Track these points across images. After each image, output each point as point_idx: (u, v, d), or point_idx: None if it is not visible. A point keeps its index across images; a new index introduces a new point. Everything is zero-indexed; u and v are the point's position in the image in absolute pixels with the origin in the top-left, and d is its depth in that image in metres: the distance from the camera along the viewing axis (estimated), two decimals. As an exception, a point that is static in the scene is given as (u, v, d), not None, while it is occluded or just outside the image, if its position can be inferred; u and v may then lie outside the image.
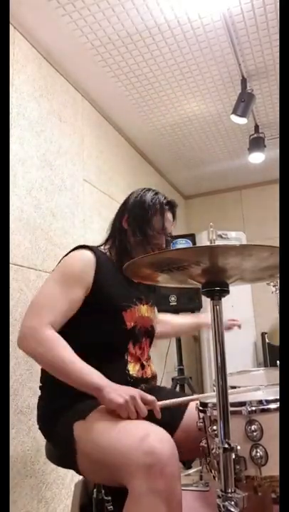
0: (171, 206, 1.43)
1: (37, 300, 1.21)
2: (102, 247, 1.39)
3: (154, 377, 1.35)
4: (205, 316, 1.68)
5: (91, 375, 1.08)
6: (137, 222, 1.35)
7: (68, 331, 1.16)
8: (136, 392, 1.06)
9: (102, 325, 1.24)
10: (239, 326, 1.58)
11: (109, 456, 0.99)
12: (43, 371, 1.30)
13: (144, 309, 1.35)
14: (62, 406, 1.16)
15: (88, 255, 1.27)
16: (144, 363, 1.31)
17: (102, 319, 1.24)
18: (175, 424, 1.27)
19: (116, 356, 1.25)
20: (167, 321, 1.64)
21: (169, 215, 1.41)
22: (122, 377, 1.21)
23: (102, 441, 1.02)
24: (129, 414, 1.03)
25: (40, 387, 1.29)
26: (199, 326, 1.66)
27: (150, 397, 1.07)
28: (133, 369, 1.26)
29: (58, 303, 1.17)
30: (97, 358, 1.20)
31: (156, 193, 1.42)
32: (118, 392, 1.04)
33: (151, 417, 1.15)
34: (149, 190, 1.43)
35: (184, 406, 1.31)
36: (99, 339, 1.23)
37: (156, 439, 0.96)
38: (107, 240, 1.42)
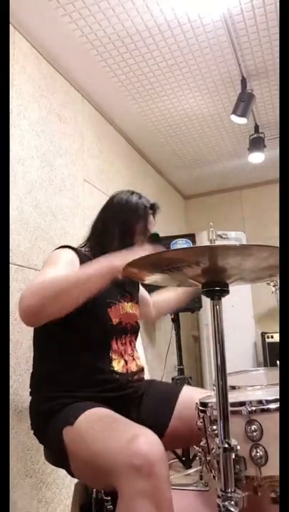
0: (155, 209, 1.45)
1: (33, 282, 1.19)
2: (82, 249, 1.40)
3: (140, 370, 1.36)
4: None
5: (97, 264, 1.12)
6: (121, 225, 1.37)
7: (54, 328, 1.16)
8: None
9: (86, 321, 1.24)
10: None
11: (99, 460, 1.00)
12: (32, 376, 1.31)
13: (128, 306, 1.37)
14: (51, 410, 1.16)
15: (71, 252, 1.29)
16: (127, 357, 1.32)
17: (87, 316, 1.24)
18: (168, 417, 1.28)
19: (101, 353, 1.26)
20: (155, 302, 1.65)
21: (151, 218, 1.44)
22: (107, 374, 1.23)
23: (91, 444, 1.03)
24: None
25: (30, 393, 1.30)
26: (185, 293, 1.64)
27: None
28: (118, 365, 1.27)
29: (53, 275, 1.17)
30: (83, 355, 1.21)
31: (140, 197, 1.43)
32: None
33: (142, 413, 1.16)
34: (132, 193, 1.44)
35: (174, 398, 1.32)
36: (85, 336, 1.24)
37: (144, 441, 0.96)
38: (87, 241, 1.43)
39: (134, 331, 1.39)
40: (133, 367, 1.32)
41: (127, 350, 1.33)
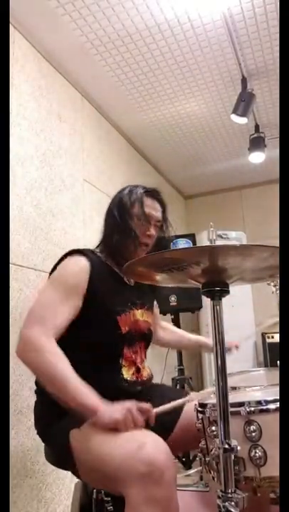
0: (152, 193, 1.39)
1: (37, 308, 1.19)
2: (97, 250, 1.37)
3: (150, 379, 1.34)
4: (208, 338, 1.68)
5: (88, 395, 1.05)
6: (118, 217, 1.33)
7: (63, 336, 1.15)
8: (131, 404, 1.05)
9: (96, 330, 1.22)
10: (237, 347, 1.58)
11: (107, 466, 0.99)
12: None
13: (139, 313, 1.33)
14: (58, 411, 1.14)
15: (82, 262, 1.24)
16: (140, 365, 1.30)
17: (96, 324, 1.22)
18: (172, 422, 1.27)
19: (110, 361, 1.24)
20: (170, 331, 1.65)
21: (150, 202, 1.37)
22: (116, 382, 1.21)
23: (99, 451, 1.02)
24: (127, 427, 1.02)
25: (36, 391, 1.28)
26: (201, 344, 1.65)
27: (145, 406, 1.06)
28: (127, 373, 1.25)
29: (59, 312, 1.16)
30: (92, 363, 1.20)
31: (136, 186, 1.39)
32: (113, 409, 1.03)
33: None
34: (129, 186, 1.41)
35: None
36: (94, 344, 1.22)
37: (153, 447, 0.96)
38: (100, 243, 1.40)
39: (145, 338, 1.36)
40: (144, 375, 1.30)
41: (137, 358, 1.30)
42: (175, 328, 1.70)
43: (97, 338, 1.23)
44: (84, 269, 1.23)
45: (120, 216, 1.33)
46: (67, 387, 1.05)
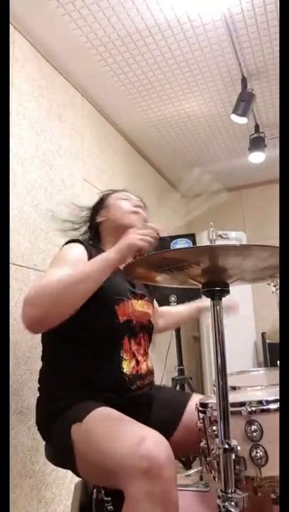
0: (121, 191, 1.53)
1: (37, 284, 1.20)
2: (91, 241, 1.43)
3: (150, 372, 1.34)
4: (201, 300, 1.67)
5: (92, 263, 1.15)
6: (97, 211, 1.50)
7: (63, 327, 1.14)
8: (135, 236, 1.16)
9: (94, 319, 1.22)
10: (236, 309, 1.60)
11: (106, 461, 0.99)
12: (41, 372, 1.30)
13: (138, 304, 1.34)
14: (60, 408, 1.15)
15: (80, 247, 1.30)
16: (140, 358, 1.29)
17: (93, 313, 1.22)
18: (175, 424, 1.27)
19: (110, 352, 1.24)
20: (166, 313, 1.66)
21: (122, 193, 1.51)
22: (116, 375, 1.21)
23: (99, 445, 1.02)
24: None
25: (39, 388, 1.29)
26: (198, 310, 1.66)
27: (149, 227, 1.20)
28: (127, 367, 1.24)
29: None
30: (91, 354, 1.20)
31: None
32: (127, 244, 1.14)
33: (150, 418, 1.15)
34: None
35: (183, 405, 1.31)
36: (92, 333, 1.22)
37: (153, 442, 0.96)
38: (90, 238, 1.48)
39: (146, 329, 1.36)
40: (144, 368, 1.30)
41: (140, 350, 1.30)
42: (169, 310, 1.72)
43: (96, 327, 1.23)
44: (83, 254, 1.28)
45: (98, 209, 1.50)
46: (78, 278, 1.12)
